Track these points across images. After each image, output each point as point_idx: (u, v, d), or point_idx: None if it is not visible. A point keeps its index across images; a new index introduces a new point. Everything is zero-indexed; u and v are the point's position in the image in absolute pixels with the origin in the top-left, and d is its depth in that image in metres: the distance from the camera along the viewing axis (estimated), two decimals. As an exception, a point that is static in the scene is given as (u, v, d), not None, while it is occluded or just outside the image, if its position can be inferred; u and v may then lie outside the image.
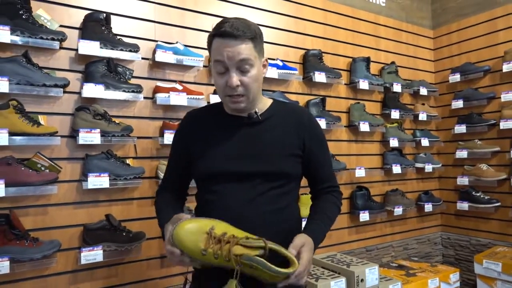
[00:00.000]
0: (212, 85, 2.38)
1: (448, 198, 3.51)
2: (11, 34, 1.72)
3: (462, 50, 3.44)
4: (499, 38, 3.16)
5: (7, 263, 1.65)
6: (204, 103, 2.25)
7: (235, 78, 1.15)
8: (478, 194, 3.21)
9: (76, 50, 1.96)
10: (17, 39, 1.74)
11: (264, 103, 1.31)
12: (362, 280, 2.37)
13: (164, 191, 1.41)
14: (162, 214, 1.26)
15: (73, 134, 1.92)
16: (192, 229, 1.04)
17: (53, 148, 1.90)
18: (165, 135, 2.08)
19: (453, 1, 3.53)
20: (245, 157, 1.21)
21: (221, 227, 1.05)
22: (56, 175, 1.83)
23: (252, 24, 1.19)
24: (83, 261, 1.83)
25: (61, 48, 1.91)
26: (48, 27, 1.86)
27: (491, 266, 2.74)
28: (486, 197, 3.17)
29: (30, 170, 1.76)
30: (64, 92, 1.89)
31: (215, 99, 2.27)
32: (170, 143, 2.06)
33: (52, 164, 1.85)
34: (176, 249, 1.05)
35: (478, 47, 3.31)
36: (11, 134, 1.70)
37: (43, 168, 1.83)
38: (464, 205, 3.27)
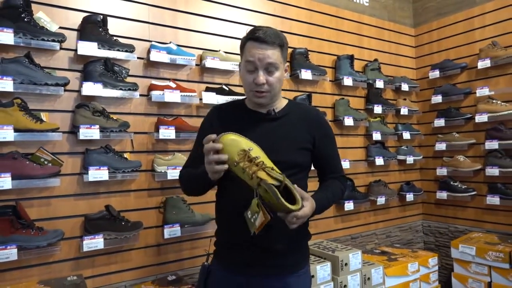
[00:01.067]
0: (204, 82, 2.52)
1: (429, 188, 3.70)
2: (14, 36, 1.83)
3: (441, 47, 3.62)
4: (475, 36, 3.35)
5: (15, 250, 1.77)
6: (196, 100, 2.39)
7: (262, 77, 1.35)
8: (456, 184, 3.41)
9: (75, 50, 2.08)
10: (20, 40, 1.85)
11: (281, 102, 1.51)
12: (346, 264, 2.55)
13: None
14: (194, 171, 1.41)
15: (74, 130, 2.03)
16: (235, 142, 1.23)
17: (55, 143, 2.01)
18: (160, 131, 2.21)
19: (433, 0, 3.71)
20: (262, 147, 1.34)
21: (257, 151, 1.24)
22: (59, 168, 1.95)
23: (281, 34, 1.40)
24: (85, 249, 1.96)
25: (60, 48, 2.02)
26: (48, 28, 1.97)
27: (466, 250, 2.94)
28: (463, 187, 3.37)
29: (34, 164, 1.88)
30: (65, 90, 2.00)
31: (207, 96, 2.40)
32: (165, 138, 2.21)
33: (55, 158, 1.97)
34: (219, 144, 1.21)
35: (456, 44, 3.49)
36: (16, 130, 1.81)
37: (46, 162, 1.95)
38: (443, 194, 3.46)
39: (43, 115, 1.97)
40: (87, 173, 1.99)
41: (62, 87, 1.95)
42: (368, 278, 2.64)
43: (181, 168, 2.23)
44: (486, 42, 3.24)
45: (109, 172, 2.04)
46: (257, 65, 1.35)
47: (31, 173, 1.85)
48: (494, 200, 3.11)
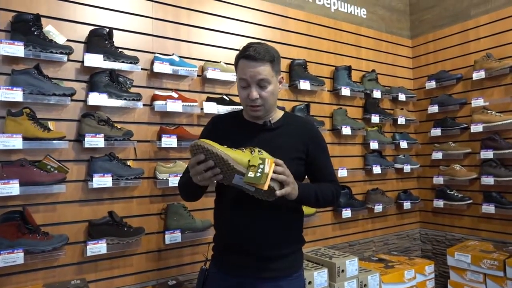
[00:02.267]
0: (205, 92, 2.60)
1: (426, 196, 3.76)
2: (24, 49, 1.92)
3: (437, 58, 3.71)
4: (470, 48, 3.43)
5: (21, 254, 1.84)
6: (197, 110, 2.47)
7: (255, 93, 1.43)
8: (452, 193, 3.47)
9: (81, 62, 2.17)
10: (30, 53, 1.94)
11: (277, 114, 1.59)
12: (342, 270, 2.60)
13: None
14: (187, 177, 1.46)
15: (79, 138, 2.11)
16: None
17: (61, 151, 2.09)
18: (163, 139, 2.29)
19: (430, 13, 3.80)
20: None
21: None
22: (64, 175, 2.02)
23: (272, 49, 1.48)
24: (88, 253, 2.03)
25: (68, 60, 2.11)
26: (56, 41, 2.06)
27: (461, 258, 2.98)
28: (459, 195, 3.43)
29: (41, 171, 1.96)
30: (71, 100, 2.08)
31: (208, 106, 2.48)
32: (167, 146, 2.28)
33: (61, 165, 2.05)
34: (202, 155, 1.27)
35: (452, 56, 3.58)
36: (25, 138, 1.89)
37: (52, 169, 2.02)
38: (439, 203, 3.52)
39: (50, 124, 2.06)
40: (92, 180, 2.07)
41: (69, 97, 2.04)
42: (365, 285, 2.69)
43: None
44: (481, 54, 3.32)
45: (112, 179, 2.11)
46: (249, 82, 1.43)
47: (38, 180, 1.93)
48: (489, 208, 3.16)
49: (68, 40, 2.14)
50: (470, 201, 3.36)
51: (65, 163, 2.08)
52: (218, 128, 1.60)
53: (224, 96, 2.59)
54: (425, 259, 3.39)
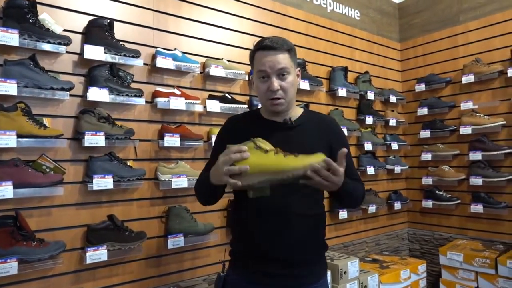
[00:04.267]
0: (206, 90, 2.50)
1: (414, 197, 3.83)
2: (19, 37, 1.74)
3: (426, 62, 3.79)
4: (459, 52, 3.53)
5: (15, 264, 1.67)
6: (200, 108, 2.37)
7: (276, 83, 1.36)
8: (440, 193, 3.55)
9: (79, 54, 2.01)
10: (26, 42, 1.77)
11: (296, 111, 1.51)
12: (345, 272, 2.58)
13: None
14: (206, 178, 1.35)
15: (77, 137, 1.95)
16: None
17: (57, 150, 1.92)
18: (165, 138, 2.17)
19: (419, 17, 3.88)
20: None
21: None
22: (61, 176, 1.86)
23: (288, 40, 1.42)
24: (88, 261, 1.87)
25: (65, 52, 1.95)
26: (53, 31, 1.89)
27: (454, 257, 3.05)
28: (447, 196, 3.51)
29: (36, 172, 1.79)
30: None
31: (210, 104, 2.39)
32: (169, 145, 2.17)
33: (57, 165, 1.88)
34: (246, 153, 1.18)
35: (441, 60, 3.67)
36: (19, 136, 1.72)
37: (47, 170, 1.85)
38: (428, 203, 3.59)
39: (46, 121, 1.88)
40: (91, 182, 1.92)
41: (67, 92, 1.88)
42: (365, 286, 2.69)
43: (185, 176, 2.22)
44: (469, 59, 3.42)
45: (113, 181, 1.97)
46: (268, 72, 1.36)
47: (33, 182, 1.76)
48: (477, 208, 3.26)
49: (64, 30, 1.98)
50: (458, 201, 3.45)
51: (62, 163, 1.92)
52: (236, 128, 1.52)
53: (227, 95, 2.49)
54: (414, 258, 3.45)
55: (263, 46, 1.37)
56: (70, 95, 1.95)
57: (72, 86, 1.89)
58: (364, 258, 3.28)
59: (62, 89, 1.85)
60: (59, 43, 1.86)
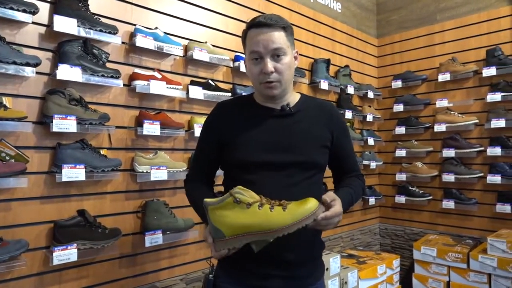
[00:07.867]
0: (187, 75, 2.31)
1: (386, 193, 3.87)
2: (-25, 0, 1.47)
3: (403, 59, 3.82)
4: (436, 51, 3.58)
5: (-33, 267, 1.42)
6: (181, 94, 2.18)
7: (270, 64, 1.22)
8: (413, 189, 3.60)
9: (47, 26, 1.75)
10: (-17, 6, 1.50)
11: (294, 96, 1.36)
12: (327, 268, 2.52)
13: (192, 179, 1.42)
14: (200, 202, 1.21)
15: (44, 120, 1.70)
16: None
17: (19, 135, 1.67)
18: (145, 126, 1.97)
19: (397, 14, 3.90)
20: (280, 147, 1.25)
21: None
22: (25, 165, 1.61)
23: (283, 18, 1.26)
24: (55, 262, 1.65)
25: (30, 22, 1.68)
26: (16, -4, 1.63)
27: (427, 252, 3.10)
28: (420, 191, 3.57)
29: (-6, 160, 1.53)
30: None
31: (193, 90, 2.20)
32: (149, 134, 1.98)
33: (19, 153, 1.63)
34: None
35: (417, 57, 3.71)
36: (-27, 117, 1.46)
37: (7, 158, 1.60)
38: (401, 199, 3.64)
39: (6, 100, 1.62)
40: (60, 172, 1.68)
41: (33, 68, 1.62)
42: (345, 282, 2.65)
43: (165, 168, 2.04)
44: (445, 57, 3.48)
45: (85, 171, 1.75)
46: (262, 53, 1.22)
47: (-10, 171, 1.50)
48: (449, 204, 3.34)
49: (29, -3, 1.71)
50: (431, 197, 3.52)
51: (25, 150, 1.67)
52: (227, 115, 1.36)
53: (210, 81, 2.32)
54: (388, 253, 3.49)
55: (256, 23, 1.23)
56: (36, 73, 1.69)
57: (38, 61, 1.64)
58: (340, 253, 3.25)
59: (27, 64, 1.60)
60: (24, 11, 1.60)
